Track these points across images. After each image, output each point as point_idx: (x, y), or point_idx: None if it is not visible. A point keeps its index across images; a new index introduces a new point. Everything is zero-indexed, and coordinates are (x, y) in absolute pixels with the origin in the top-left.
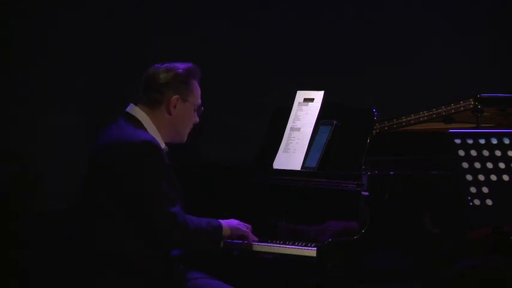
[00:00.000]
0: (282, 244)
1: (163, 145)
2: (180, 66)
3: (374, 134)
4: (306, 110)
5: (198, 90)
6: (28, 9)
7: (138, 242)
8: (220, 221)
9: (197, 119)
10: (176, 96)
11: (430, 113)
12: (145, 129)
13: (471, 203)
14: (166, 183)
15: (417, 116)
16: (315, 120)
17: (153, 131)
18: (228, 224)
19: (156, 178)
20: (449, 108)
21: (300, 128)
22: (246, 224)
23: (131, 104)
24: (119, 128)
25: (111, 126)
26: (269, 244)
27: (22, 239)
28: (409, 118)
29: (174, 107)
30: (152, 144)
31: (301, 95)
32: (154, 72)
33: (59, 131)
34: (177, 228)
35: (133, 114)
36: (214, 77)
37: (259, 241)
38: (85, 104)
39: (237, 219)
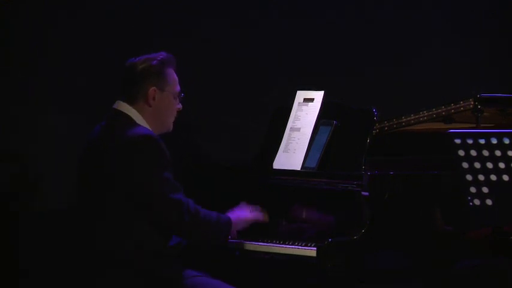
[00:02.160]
0: (282, 244)
1: None
2: (154, 57)
3: (374, 134)
4: (306, 110)
5: (174, 78)
6: (28, 9)
7: (138, 240)
8: (229, 216)
9: (180, 106)
10: (153, 88)
11: (430, 113)
12: (137, 124)
13: (471, 203)
14: (170, 173)
15: (417, 116)
16: (315, 120)
17: (143, 124)
18: (237, 217)
19: (159, 168)
20: (449, 108)
21: (300, 128)
22: (253, 207)
23: (118, 100)
24: (111, 125)
25: (100, 124)
26: (269, 244)
27: (22, 239)
28: (409, 118)
29: (153, 98)
30: (152, 136)
31: (301, 95)
32: (130, 67)
33: (59, 131)
34: (186, 214)
35: (122, 110)
36: (214, 77)
37: (259, 241)
38: (85, 104)
39: None
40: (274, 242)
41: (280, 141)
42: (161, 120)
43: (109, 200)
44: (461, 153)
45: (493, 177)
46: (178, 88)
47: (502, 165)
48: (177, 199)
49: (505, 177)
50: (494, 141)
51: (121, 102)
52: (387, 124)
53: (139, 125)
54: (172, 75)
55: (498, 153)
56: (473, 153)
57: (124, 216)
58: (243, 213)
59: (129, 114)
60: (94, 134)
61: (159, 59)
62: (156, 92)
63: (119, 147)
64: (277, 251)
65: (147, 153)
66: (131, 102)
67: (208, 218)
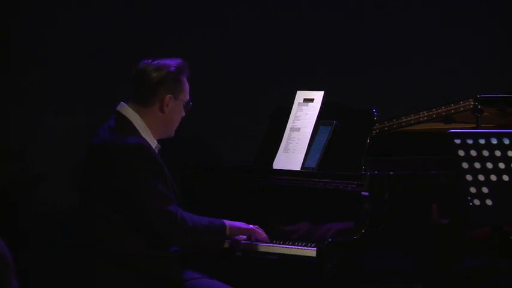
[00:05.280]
0: (282, 244)
1: (154, 144)
2: (171, 64)
3: (374, 134)
4: (306, 110)
5: (187, 87)
6: (28, 9)
7: (137, 242)
8: (224, 221)
9: (184, 114)
10: (169, 95)
11: (430, 113)
12: (135, 129)
13: (471, 203)
14: (161, 183)
15: (417, 116)
16: (314, 121)
17: (144, 130)
18: (232, 224)
19: (150, 179)
20: (449, 108)
21: (299, 128)
22: (251, 226)
23: (122, 102)
24: (110, 130)
25: (103, 126)
26: (269, 244)
27: (22, 239)
28: (409, 118)
29: (167, 105)
30: (143, 146)
31: (301, 95)
32: (146, 70)
33: (59, 131)
34: (175, 226)
35: (124, 114)
36: (214, 77)
37: (259, 241)
38: (85, 104)
39: (236, 219)
40: (274, 242)
41: (280, 141)
42: (168, 127)
43: (106, 203)
44: (461, 153)
45: (493, 178)
46: (188, 97)
47: (502, 165)
48: (166, 210)
49: (505, 178)
50: (494, 141)
51: (125, 105)
52: (387, 124)
53: (136, 134)
54: (186, 84)
55: (498, 153)
56: (473, 153)
57: (124, 219)
58: (239, 222)
59: (130, 120)
60: (96, 138)
61: (176, 66)
62: (171, 99)
63: (114, 156)
64: (277, 251)
65: (137, 162)
66: (142, 106)
67: (198, 227)
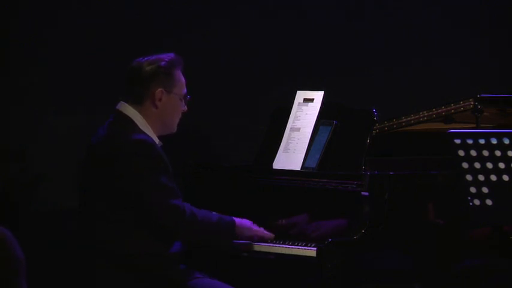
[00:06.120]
0: (282, 244)
1: (156, 141)
2: (163, 58)
3: (374, 134)
4: (306, 110)
5: (182, 80)
6: (28, 9)
7: (137, 242)
8: (233, 218)
9: (185, 108)
10: (160, 89)
11: (430, 113)
12: (137, 126)
13: (471, 203)
14: (167, 177)
15: (417, 116)
16: (314, 121)
17: (144, 126)
18: (241, 222)
19: (155, 173)
20: (449, 108)
21: (299, 128)
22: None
23: (121, 101)
24: (111, 128)
25: (103, 126)
26: (269, 244)
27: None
28: (409, 118)
29: (160, 100)
30: (147, 142)
31: (301, 95)
32: (137, 67)
33: (59, 131)
34: (182, 219)
35: (124, 112)
36: (214, 77)
37: (261, 241)
38: (85, 104)
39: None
40: (274, 242)
41: (280, 141)
42: (166, 122)
43: (108, 202)
44: (461, 153)
45: (493, 178)
46: (185, 90)
47: (502, 165)
48: (173, 204)
49: (505, 178)
50: (494, 141)
51: (124, 103)
52: (387, 124)
53: (138, 130)
54: (180, 77)
55: (498, 153)
56: (473, 153)
57: (124, 218)
58: (248, 222)
59: (131, 117)
60: (96, 137)
61: (167, 60)
62: (163, 93)
63: (116, 153)
64: (277, 251)
65: (142, 158)
66: (137, 103)
67: (207, 221)
